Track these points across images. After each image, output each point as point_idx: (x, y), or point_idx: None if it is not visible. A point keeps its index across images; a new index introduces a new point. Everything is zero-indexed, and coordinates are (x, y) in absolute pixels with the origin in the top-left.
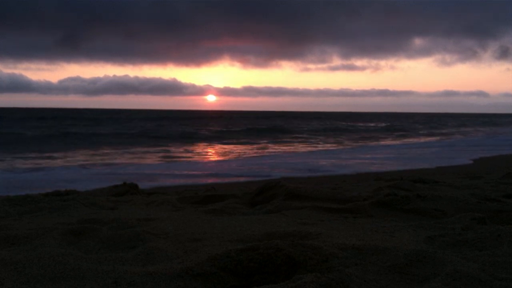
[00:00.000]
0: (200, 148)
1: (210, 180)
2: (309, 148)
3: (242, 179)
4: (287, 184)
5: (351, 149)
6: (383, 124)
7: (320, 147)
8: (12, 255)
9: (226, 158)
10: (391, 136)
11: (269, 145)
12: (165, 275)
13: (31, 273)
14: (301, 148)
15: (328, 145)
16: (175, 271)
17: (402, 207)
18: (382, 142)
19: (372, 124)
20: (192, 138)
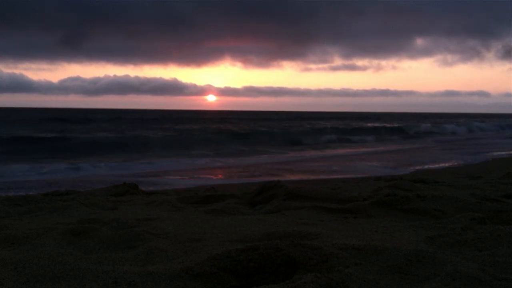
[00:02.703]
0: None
1: None
2: None
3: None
4: (286, 184)
5: None
6: (428, 125)
7: None
8: (12, 255)
9: None
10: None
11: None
12: (165, 275)
13: (31, 273)
14: None
15: None
16: (175, 271)
17: (402, 207)
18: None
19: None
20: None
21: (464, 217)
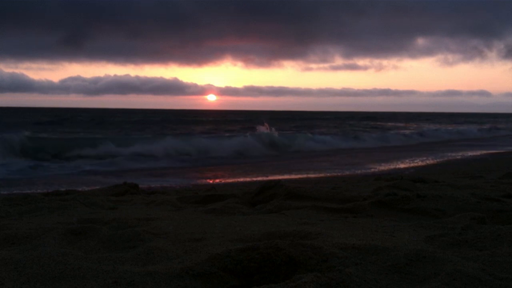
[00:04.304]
0: None
1: None
2: None
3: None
4: (287, 184)
5: None
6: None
7: None
8: (12, 255)
9: None
10: None
11: None
12: (165, 275)
13: (31, 273)
14: None
15: None
16: (175, 271)
17: (402, 207)
18: None
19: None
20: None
21: (464, 216)
